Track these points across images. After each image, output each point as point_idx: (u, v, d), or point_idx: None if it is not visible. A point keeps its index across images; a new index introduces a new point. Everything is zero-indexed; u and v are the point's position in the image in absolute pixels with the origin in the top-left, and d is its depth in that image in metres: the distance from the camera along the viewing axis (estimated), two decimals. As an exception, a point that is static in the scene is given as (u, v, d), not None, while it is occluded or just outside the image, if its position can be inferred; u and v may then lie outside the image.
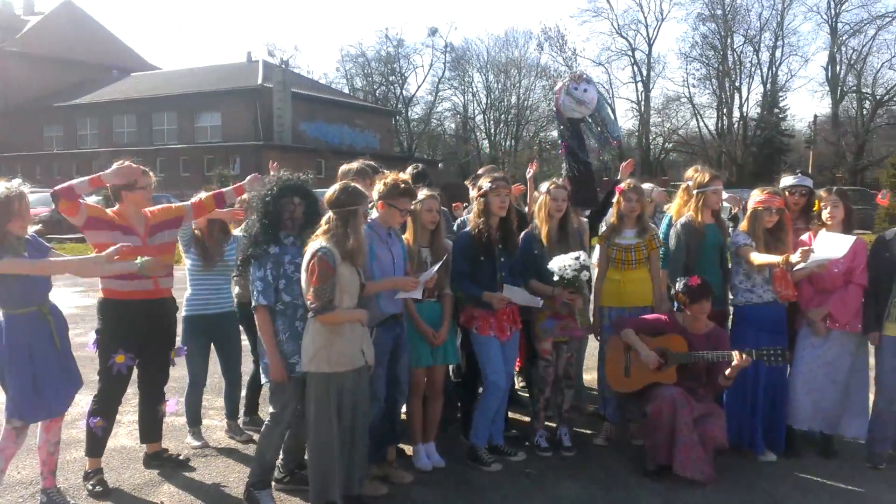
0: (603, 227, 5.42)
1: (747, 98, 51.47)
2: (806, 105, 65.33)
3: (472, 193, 5.46)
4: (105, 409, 4.49)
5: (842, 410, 5.01)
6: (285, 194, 4.07)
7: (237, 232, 5.20)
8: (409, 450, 4.90)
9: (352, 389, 3.89)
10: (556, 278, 4.79)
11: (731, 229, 5.30)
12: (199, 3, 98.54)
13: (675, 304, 5.03)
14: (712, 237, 5.15)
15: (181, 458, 4.91)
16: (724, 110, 51.27)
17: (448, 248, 4.77)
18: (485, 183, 4.85)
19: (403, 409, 4.80)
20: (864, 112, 48.85)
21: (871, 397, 4.99)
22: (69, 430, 5.14)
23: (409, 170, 5.43)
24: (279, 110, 36.97)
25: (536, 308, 4.95)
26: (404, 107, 57.89)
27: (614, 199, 5.29)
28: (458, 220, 5.74)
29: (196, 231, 5.07)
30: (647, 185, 5.96)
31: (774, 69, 49.93)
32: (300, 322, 4.01)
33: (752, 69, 50.71)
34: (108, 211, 4.49)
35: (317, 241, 3.83)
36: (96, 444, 4.51)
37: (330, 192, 3.99)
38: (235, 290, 5.27)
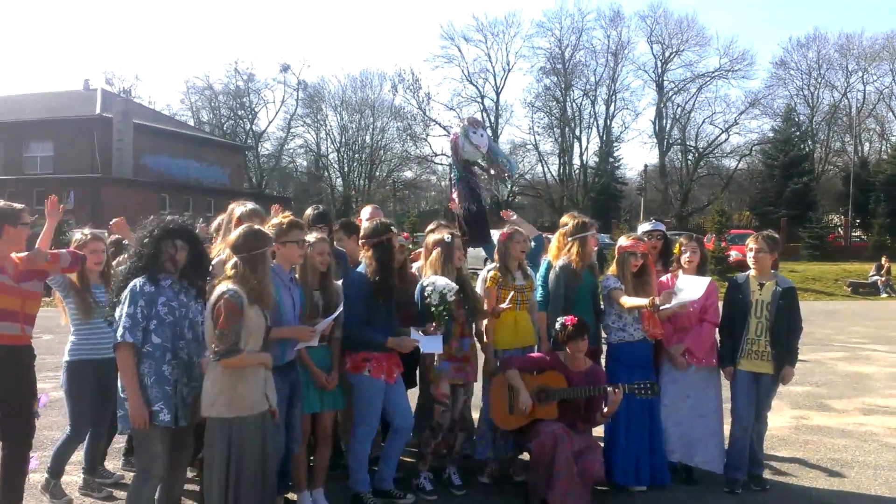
0: (486, 272, 5.58)
1: (586, 147, 55.02)
2: (637, 155, 71.07)
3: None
4: None
5: (699, 442, 5.42)
6: (166, 237, 3.93)
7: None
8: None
9: (255, 435, 3.77)
10: (434, 299, 4.77)
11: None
12: (30, 25, 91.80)
13: (553, 342, 5.31)
14: (587, 279, 5.51)
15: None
16: (566, 158, 54.40)
17: (339, 291, 4.76)
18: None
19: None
20: (688, 163, 53.60)
21: (727, 428, 5.45)
22: None
23: (310, 210, 5.39)
24: (119, 142, 34.95)
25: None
26: (254, 142, 56.68)
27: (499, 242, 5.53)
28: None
29: (72, 279, 4.81)
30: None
31: (609, 121, 53.79)
32: (167, 367, 3.84)
33: (590, 120, 54.38)
34: None
35: (223, 285, 3.74)
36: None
37: (234, 236, 3.91)
38: None
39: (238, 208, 4.89)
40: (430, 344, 4.87)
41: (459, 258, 5.17)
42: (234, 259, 3.82)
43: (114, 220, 5.76)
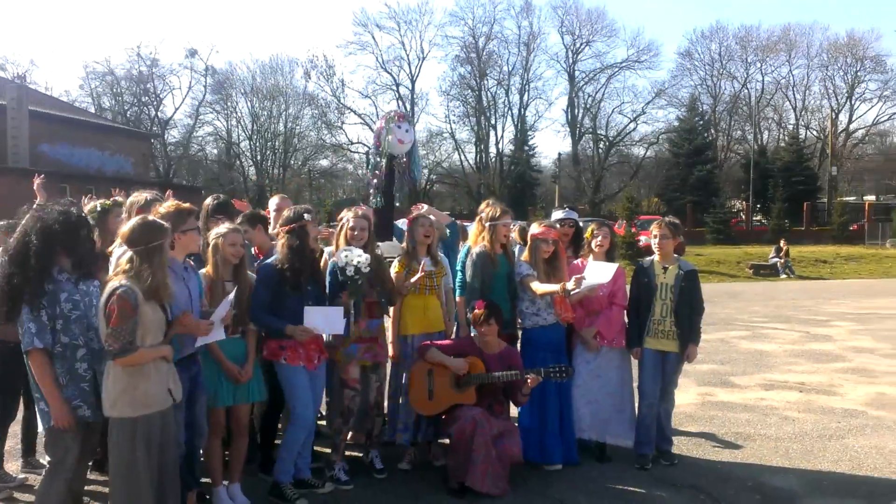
0: (397, 260, 5.57)
1: (502, 136, 55.63)
2: (552, 143, 71.88)
3: (274, 224, 5.38)
4: None
5: (610, 419, 5.60)
6: (51, 247, 3.69)
7: None
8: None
9: (159, 432, 3.63)
10: (350, 271, 4.73)
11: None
12: None
13: (471, 327, 5.36)
14: (503, 266, 5.57)
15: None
16: (482, 146, 54.87)
17: (252, 281, 4.64)
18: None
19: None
20: (600, 151, 54.97)
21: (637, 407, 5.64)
22: None
23: (209, 200, 5.21)
24: (14, 129, 32.94)
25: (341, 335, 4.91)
26: (161, 130, 54.53)
27: (406, 228, 5.53)
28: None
29: None
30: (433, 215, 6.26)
31: (523, 110, 54.52)
32: (80, 363, 3.71)
33: (505, 109, 54.97)
34: None
35: (115, 280, 3.56)
36: None
37: (127, 228, 3.69)
38: None
39: (132, 198, 4.64)
40: (330, 324, 4.70)
41: (363, 238, 5.02)
42: (129, 253, 3.62)
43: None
